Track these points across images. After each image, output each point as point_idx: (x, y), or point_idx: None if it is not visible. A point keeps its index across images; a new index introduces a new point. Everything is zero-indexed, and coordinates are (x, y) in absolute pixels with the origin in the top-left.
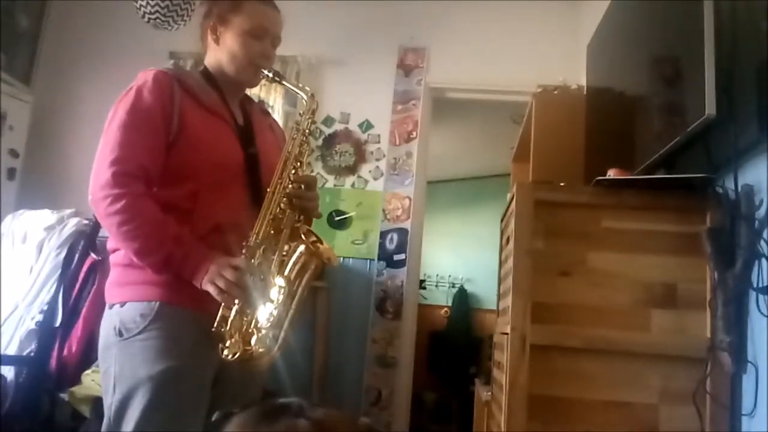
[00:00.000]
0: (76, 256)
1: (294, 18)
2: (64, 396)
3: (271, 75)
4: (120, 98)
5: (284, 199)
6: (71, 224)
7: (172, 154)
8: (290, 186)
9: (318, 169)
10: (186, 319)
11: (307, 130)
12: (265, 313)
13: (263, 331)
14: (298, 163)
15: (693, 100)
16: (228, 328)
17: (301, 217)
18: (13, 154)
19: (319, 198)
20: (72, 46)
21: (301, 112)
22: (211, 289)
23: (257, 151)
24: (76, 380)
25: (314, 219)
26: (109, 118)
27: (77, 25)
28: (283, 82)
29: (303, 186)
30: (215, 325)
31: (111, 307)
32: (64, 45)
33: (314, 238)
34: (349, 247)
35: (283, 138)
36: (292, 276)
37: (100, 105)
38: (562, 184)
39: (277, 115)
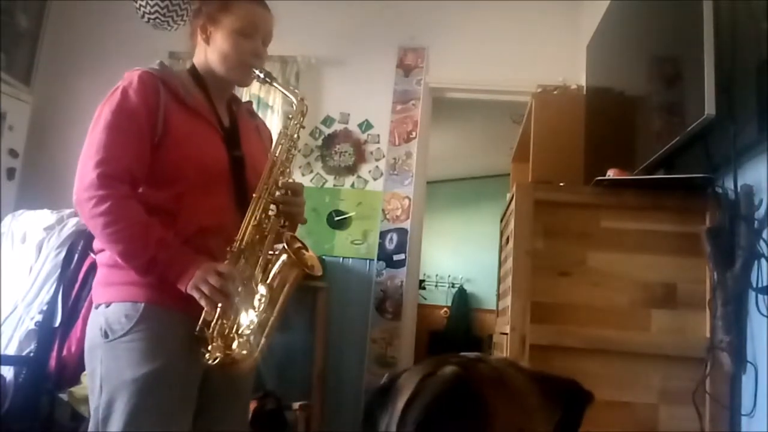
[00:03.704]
0: (76, 256)
1: (294, 18)
2: (64, 396)
3: (262, 76)
4: (105, 99)
5: (269, 204)
6: (71, 224)
7: (157, 156)
8: (276, 192)
9: (318, 169)
10: (171, 320)
11: (295, 135)
12: (247, 319)
13: (244, 337)
14: (284, 169)
15: (692, 100)
16: (210, 332)
17: (286, 223)
18: (13, 154)
19: (305, 204)
20: (72, 46)
21: (290, 116)
22: (195, 294)
23: (242, 154)
24: (76, 380)
25: (300, 224)
26: (94, 119)
27: (77, 25)
28: (274, 84)
29: (289, 192)
30: (197, 329)
31: (97, 307)
32: (63, 45)
33: (299, 245)
34: (348, 247)
35: (270, 140)
36: (275, 284)
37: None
38: (561, 184)
39: (276, 115)
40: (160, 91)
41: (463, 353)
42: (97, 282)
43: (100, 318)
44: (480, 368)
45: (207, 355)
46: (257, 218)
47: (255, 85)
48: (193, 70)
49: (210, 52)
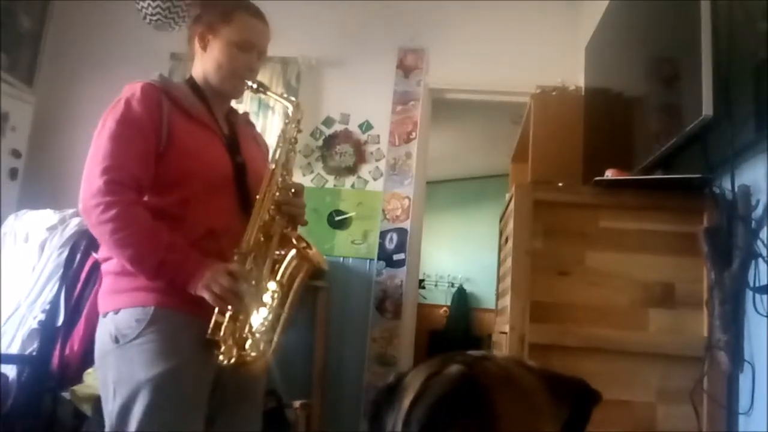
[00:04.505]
0: (78, 255)
1: (294, 18)
2: (66, 395)
3: (255, 86)
4: (108, 110)
5: (273, 205)
6: (73, 224)
7: (162, 164)
8: (278, 193)
9: (318, 169)
10: (182, 321)
11: (293, 139)
12: (258, 317)
13: (257, 336)
14: (286, 171)
15: (690, 101)
16: (222, 333)
17: (289, 224)
18: (16, 154)
19: (305, 206)
20: (74, 46)
21: (287, 121)
22: (206, 295)
23: (244, 160)
24: (78, 379)
25: (300, 226)
26: (97, 130)
27: (79, 25)
28: (268, 93)
29: (291, 193)
30: (209, 332)
31: (105, 315)
32: (66, 46)
33: (304, 244)
34: (348, 247)
35: (267, 149)
36: (284, 280)
37: (102, 105)
38: (560, 184)
39: (277, 116)
40: (163, 102)
41: (469, 351)
42: (103, 291)
43: (109, 326)
44: (487, 366)
45: (221, 357)
46: (262, 219)
47: None
48: (192, 82)
49: (205, 60)
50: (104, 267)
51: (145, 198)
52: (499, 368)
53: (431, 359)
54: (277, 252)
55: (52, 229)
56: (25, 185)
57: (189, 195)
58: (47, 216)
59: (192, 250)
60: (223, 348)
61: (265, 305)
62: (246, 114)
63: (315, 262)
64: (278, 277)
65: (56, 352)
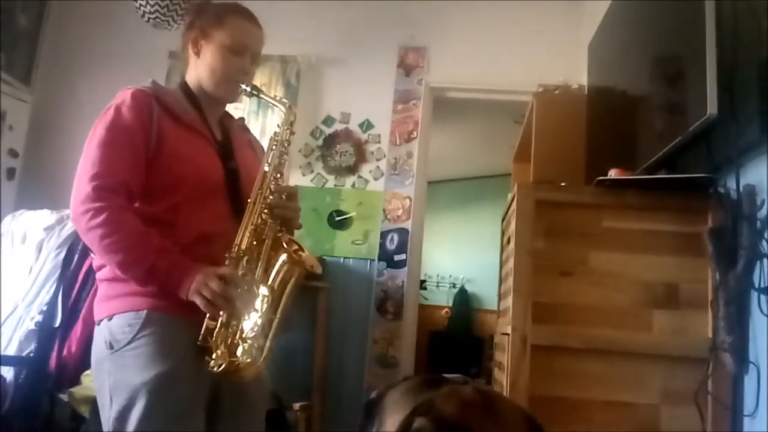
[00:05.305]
0: (76, 256)
1: (294, 17)
2: (64, 396)
3: (249, 90)
4: (99, 117)
5: (265, 209)
6: (71, 224)
7: (153, 170)
8: (271, 196)
9: (318, 169)
10: (175, 325)
11: (286, 142)
12: (250, 322)
13: (249, 342)
14: (279, 174)
15: (694, 100)
16: (213, 339)
17: (283, 228)
18: (13, 154)
19: (300, 210)
20: (72, 45)
21: (279, 123)
22: (197, 300)
23: (237, 165)
24: (76, 381)
25: (295, 229)
26: (88, 137)
27: (77, 24)
28: (262, 96)
29: (284, 196)
30: (200, 338)
31: (99, 323)
32: (63, 45)
33: (296, 247)
34: (349, 248)
35: (263, 153)
36: (276, 285)
37: (100, 105)
38: (563, 184)
39: (276, 116)
40: (153, 108)
41: (448, 375)
42: (97, 299)
43: (103, 332)
44: (461, 394)
45: (212, 363)
46: (254, 223)
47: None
48: (185, 87)
49: (199, 66)
50: (98, 275)
51: (136, 204)
52: (476, 392)
53: (409, 381)
54: (270, 256)
55: (49, 229)
56: (22, 185)
57: (179, 201)
58: (45, 216)
59: (182, 255)
60: (214, 354)
61: (256, 310)
62: (241, 119)
63: (307, 266)
64: (270, 282)
65: (54, 354)
